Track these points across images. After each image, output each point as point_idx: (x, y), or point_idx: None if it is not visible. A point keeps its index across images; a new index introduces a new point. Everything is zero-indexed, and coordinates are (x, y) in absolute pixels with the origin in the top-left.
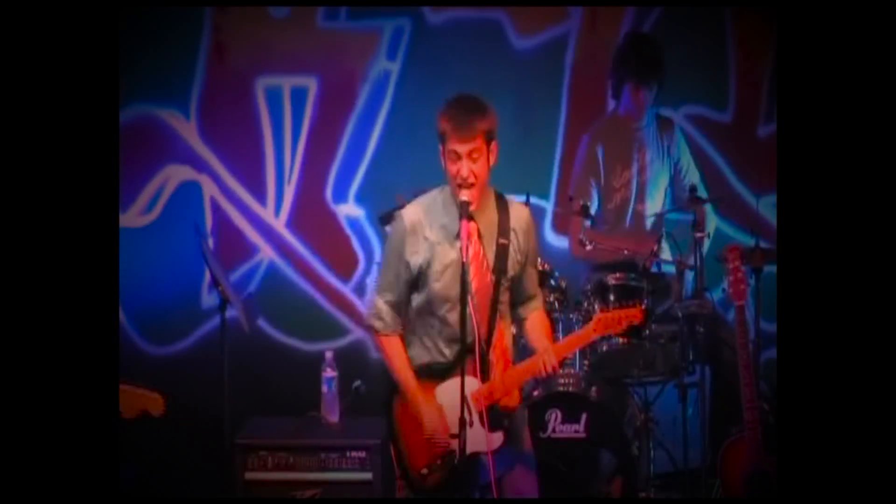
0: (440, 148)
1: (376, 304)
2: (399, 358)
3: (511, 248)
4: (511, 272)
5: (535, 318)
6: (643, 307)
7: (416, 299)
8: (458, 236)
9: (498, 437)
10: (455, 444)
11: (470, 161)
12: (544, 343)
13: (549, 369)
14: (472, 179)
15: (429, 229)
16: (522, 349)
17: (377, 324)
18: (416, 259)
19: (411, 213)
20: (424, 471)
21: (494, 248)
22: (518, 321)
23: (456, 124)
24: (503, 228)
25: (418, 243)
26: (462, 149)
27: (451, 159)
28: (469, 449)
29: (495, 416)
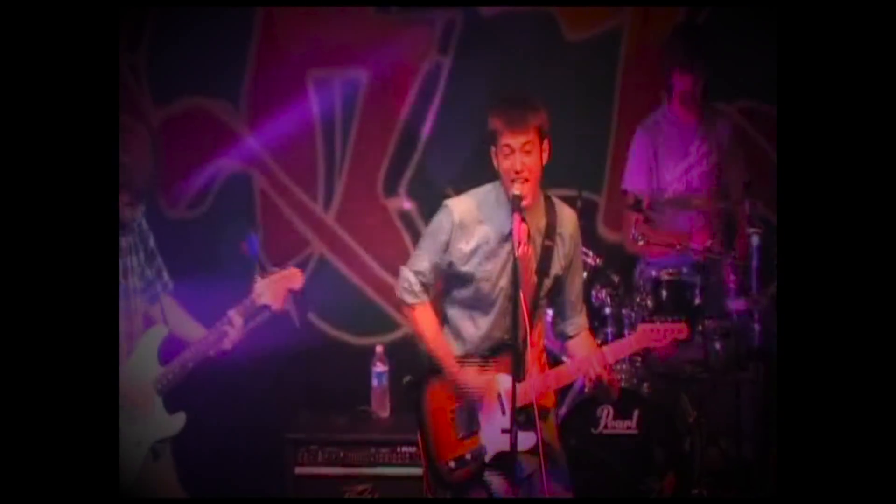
0: (492, 148)
1: (407, 277)
2: (432, 326)
3: (555, 251)
4: (552, 275)
5: (583, 337)
6: (688, 322)
7: (459, 295)
8: (510, 234)
9: (530, 438)
10: (485, 440)
11: (524, 154)
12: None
13: (594, 376)
14: (526, 174)
15: (480, 226)
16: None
17: (408, 297)
18: (461, 254)
19: (462, 206)
20: (452, 464)
21: (540, 249)
22: (562, 337)
23: (508, 119)
24: (550, 230)
25: (467, 238)
26: (515, 142)
27: (504, 154)
28: (498, 448)
29: (528, 417)
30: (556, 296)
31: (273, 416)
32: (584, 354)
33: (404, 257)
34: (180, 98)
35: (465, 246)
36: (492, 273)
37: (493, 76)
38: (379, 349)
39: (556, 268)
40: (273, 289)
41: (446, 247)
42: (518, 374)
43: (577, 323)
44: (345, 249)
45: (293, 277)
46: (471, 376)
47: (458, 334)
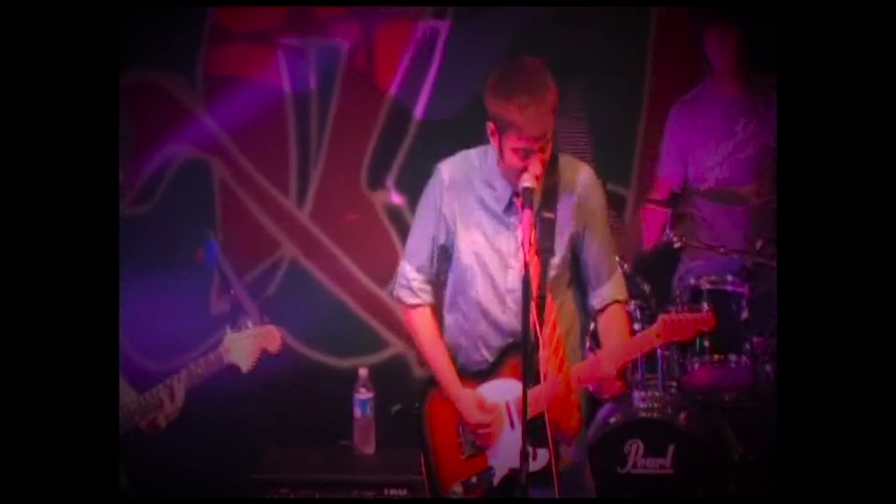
0: (489, 125)
1: (405, 271)
2: (430, 333)
3: (560, 223)
4: (560, 252)
5: (611, 314)
6: (713, 310)
7: (449, 281)
8: (506, 211)
9: (543, 455)
10: (494, 460)
11: (540, 153)
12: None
13: (603, 387)
14: (539, 169)
15: (470, 193)
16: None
17: (405, 294)
18: (453, 218)
19: (452, 167)
20: (457, 488)
21: (539, 223)
22: (591, 312)
23: (528, 119)
24: (548, 198)
25: (458, 202)
26: (534, 146)
27: (519, 156)
28: (507, 465)
29: (542, 429)
30: (577, 266)
31: (236, 451)
32: (610, 337)
33: (392, 261)
34: (122, 71)
35: (455, 210)
36: (477, 247)
37: (501, 44)
38: (362, 373)
39: (563, 242)
40: (244, 346)
41: (440, 213)
42: (529, 380)
43: (604, 294)
44: (322, 252)
45: (269, 337)
46: (471, 403)
47: (454, 335)
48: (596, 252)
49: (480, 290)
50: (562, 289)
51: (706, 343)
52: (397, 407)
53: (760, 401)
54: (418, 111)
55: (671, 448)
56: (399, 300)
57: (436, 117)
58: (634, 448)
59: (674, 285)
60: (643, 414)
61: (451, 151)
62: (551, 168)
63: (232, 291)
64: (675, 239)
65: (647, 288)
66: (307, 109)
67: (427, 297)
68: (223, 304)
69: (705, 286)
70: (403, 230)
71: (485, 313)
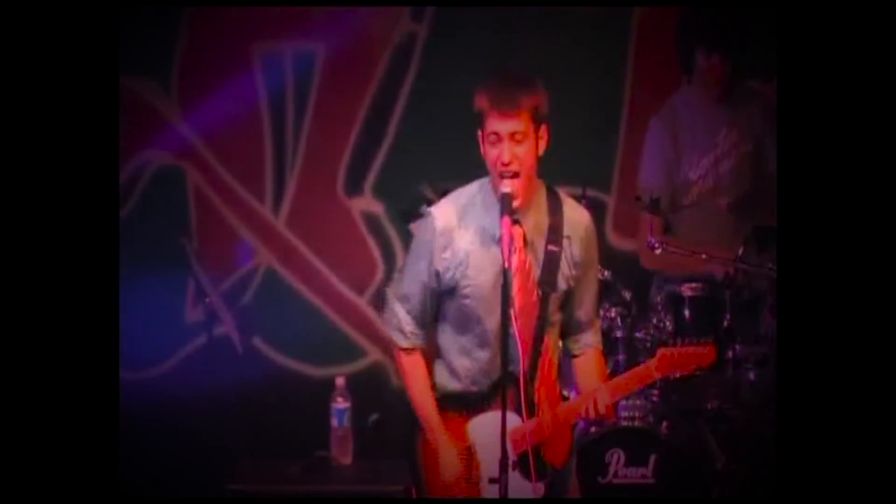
0: (479, 133)
1: (397, 313)
2: (420, 381)
3: (563, 258)
4: (562, 287)
5: (589, 357)
6: (715, 345)
7: (447, 316)
8: (499, 239)
9: (539, 489)
10: (485, 491)
11: (513, 143)
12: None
13: (600, 412)
14: (515, 166)
15: (465, 233)
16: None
17: (398, 337)
18: (447, 268)
19: (445, 212)
20: None
21: (542, 256)
22: (566, 355)
23: (496, 99)
24: (555, 233)
25: (452, 249)
26: (503, 128)
27: (491, 142)
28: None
29: (539, 462)
30: (564, 312)
31: (211, 462)
32: (588, 379)
33: (369, 269)
34: None
35: (451, 258)
36: (480, 289)
37: (480, 50)
38: (339, 382)
39: (565, 278)
40: None
41: (431, 261)
42: (525, 413)
43: (584, 341)
44: (298, 260)
45: None
46: (453, 458)
47: (451, 366)
48: (590, 302)
49: (492, 323)
50: (554, 326)
51: None
52: (375, 417)
53: (743, 409)
54: (395, 117)
55: (653, 457)
56: (391, 342)
57: (413, 123)
58: (616, 458)
59: (652, 293)
60: (624, 423)
61: (428, 157)
62: (553, 204)
63: (208, 300)
64: (657, 245)
65: (627, 295)
66: (283, 115)
67: (419, 342)
68: (198, 312)
69: (687, 293)
70: (381, 237)
71: (491, 343)
